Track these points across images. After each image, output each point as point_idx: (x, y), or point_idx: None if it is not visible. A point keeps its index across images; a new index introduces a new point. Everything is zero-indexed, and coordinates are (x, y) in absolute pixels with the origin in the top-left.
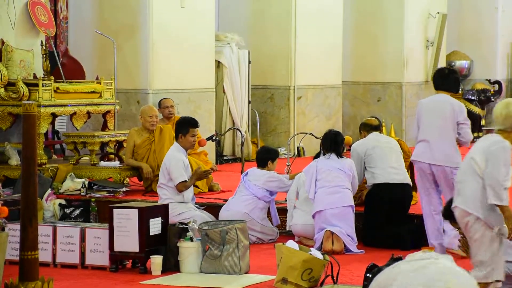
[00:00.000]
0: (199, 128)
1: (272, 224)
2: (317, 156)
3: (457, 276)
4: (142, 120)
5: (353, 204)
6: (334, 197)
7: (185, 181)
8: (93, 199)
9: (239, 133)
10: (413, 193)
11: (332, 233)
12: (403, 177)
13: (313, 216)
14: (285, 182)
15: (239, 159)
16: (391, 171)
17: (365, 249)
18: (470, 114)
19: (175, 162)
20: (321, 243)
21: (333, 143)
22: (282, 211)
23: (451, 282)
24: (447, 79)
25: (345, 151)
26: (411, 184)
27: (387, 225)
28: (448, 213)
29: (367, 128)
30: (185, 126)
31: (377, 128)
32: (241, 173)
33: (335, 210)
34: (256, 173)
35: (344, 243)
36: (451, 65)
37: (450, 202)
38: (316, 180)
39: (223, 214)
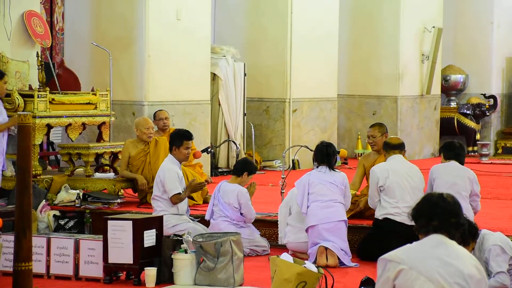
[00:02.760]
0: (194, 141)
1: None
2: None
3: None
4: (138, 132)
5: (346, 218)
6: (327, 211)
7: (179, 193)
8: (87, 211)
9: (234, 145)
10: None
11: (326, 248)
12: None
13: (306, 230)
14: (250, 211)
15: None
16: (403, 210)
17: (360, 262)
18: (465, 128)
19: (169, 174)
20: (315, 258)
21: (324, 155)
22: (274, 224)
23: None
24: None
25: (340, 164)
26: None
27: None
28: None
29: (386, 148)
30: (179, 138)
31: (398, 147)
32: None
33: (328, 224)
34: (228, 188)
35: (338, 257)
36: (446, 79)
37: None
38: (308, 194)
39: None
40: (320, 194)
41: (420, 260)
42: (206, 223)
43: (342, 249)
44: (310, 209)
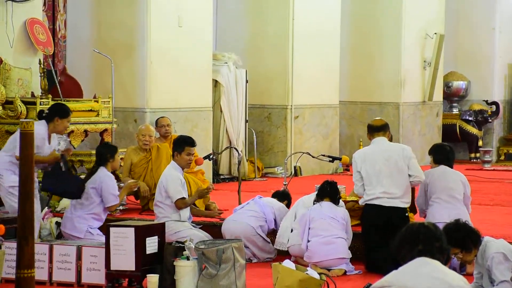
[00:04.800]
0: (196, 147)
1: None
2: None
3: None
4: (137, 139)
5: (347, 256)
6: (328, 247)
7: (184, 197)
8: None
9: (236, 152)
10: (411, 214)
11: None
12: (398, 200)
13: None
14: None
15: (236, 178)
16: (383, 194)
17: (362, 269)
18: (467, 135)
19: (172, 179)
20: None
21: (327, 192)
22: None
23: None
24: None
25: (342, 170)
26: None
27: (383, 247)
28: (447, 239)
29: (369, 130)
30: (182, 144)
31: (381, 129)
32: (238, 192)
33: (329, 262)
34: (272, 200)
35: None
36: (448, 85)
37: (450, 225)
38: (309, 229)
39: (229, 225)
40: (321, 229)
41: (408, 278)
42: (208, 230)
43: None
44: (311, 244)
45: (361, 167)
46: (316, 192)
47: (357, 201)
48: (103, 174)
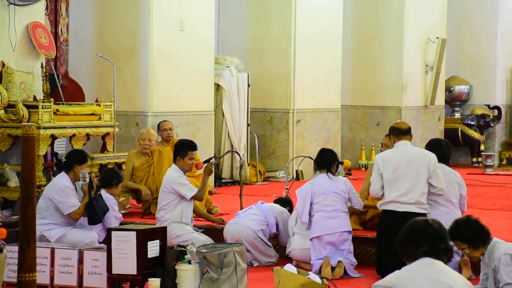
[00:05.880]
0: (197, 151)
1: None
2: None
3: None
4: (138, 143)
5: (350, 229)
6: (331, 222)
7: (197, 190)
8: None
9: (237, 156)
10: None
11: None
12: (414, 206)
13: (311, 240)
14: (287, 233)
15: (238, 182)
16: (400, 199)
17: (364, 272)
18: (469, 139)
19: (178, 180)
20: (319, 268)
21: (323, 160)
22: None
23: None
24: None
25: (344, 174)
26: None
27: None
28: (455, 234)
29: (396, 133)
30: (184, 149)
31: (408, 133)
32: (240, 196)
33: (332, 236)
34: (274, 205)
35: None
36: (450, 90)
37: (461, 220)
38: (312, 204)
39: (230, 228)
40: (324, 205)
41: (409, 279)
42: (210, 234)
43: (347, 259)
44: (314, 218)
45: (382, 169)
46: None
47: (375, 207)
48: (106, 197)
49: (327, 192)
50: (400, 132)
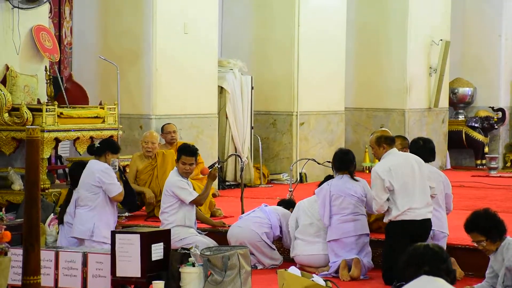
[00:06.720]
0: (201, 154)
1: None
2: (327, 178)
3: None
4: (141, 146)
5: (368, 231)
6: (349, 225)
7: (197, 195)
8: None
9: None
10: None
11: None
12: (425, 210)
13: (329, 241)
14: (286, 235)
15: None
16: (417, 205)
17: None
18: (474, 141)
19: (178, 184)
20: (337, 269)
21: (342, 163)
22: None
23: None
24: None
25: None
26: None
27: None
28: (472, 226)
29: (388, 141)
30: (179, 153)
31: (395, 140)
32: (241, 199)
33: (351, 238)
34: (277, 207)
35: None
36: (454, 92)
37: (479, 212)
38: (330, 206)
39: (234, 231)
40: (342, 208)
41: None
42: (214, 236)
43: (364, 264)
44: (331, 221)
45: (388, 182)
46: (331, 163)
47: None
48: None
49: (344, 194)
50: (392, 140)
